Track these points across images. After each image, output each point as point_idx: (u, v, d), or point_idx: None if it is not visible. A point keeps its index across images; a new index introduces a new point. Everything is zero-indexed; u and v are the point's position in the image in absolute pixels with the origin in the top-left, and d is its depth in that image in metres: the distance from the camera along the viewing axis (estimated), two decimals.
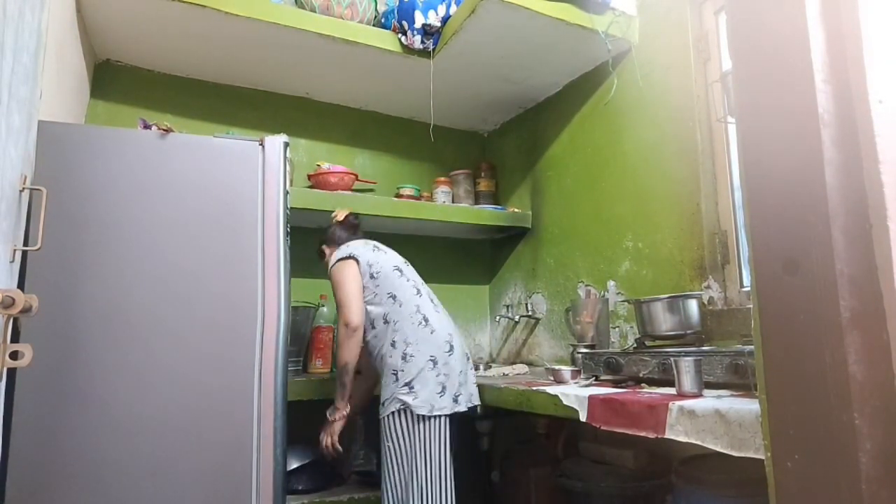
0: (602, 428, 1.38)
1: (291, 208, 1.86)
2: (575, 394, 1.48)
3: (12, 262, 1.16)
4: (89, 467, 1.39)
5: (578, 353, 1.92)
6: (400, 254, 2.12)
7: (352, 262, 1.96)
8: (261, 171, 1.67)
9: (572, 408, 1.46)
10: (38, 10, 1.23)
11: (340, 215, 2.21)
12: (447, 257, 3.08)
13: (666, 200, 2.14)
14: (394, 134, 3.04)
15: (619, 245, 2.33)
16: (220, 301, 1.56)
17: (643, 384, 1.59)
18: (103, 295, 1.46)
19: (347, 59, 2.46)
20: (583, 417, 1.43)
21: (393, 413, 1.81)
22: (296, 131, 2.73)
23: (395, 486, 1.81)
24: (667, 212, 2.13)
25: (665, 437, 1.21)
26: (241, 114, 2.68)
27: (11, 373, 1.31)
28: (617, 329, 2.29)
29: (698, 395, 1.30)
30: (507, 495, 2.33)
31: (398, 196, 2.77)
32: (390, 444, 1.81)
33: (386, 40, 2.39)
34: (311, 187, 2.55)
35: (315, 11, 2.29)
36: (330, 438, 1.99)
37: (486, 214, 2.83)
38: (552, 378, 1.82)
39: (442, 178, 3.00)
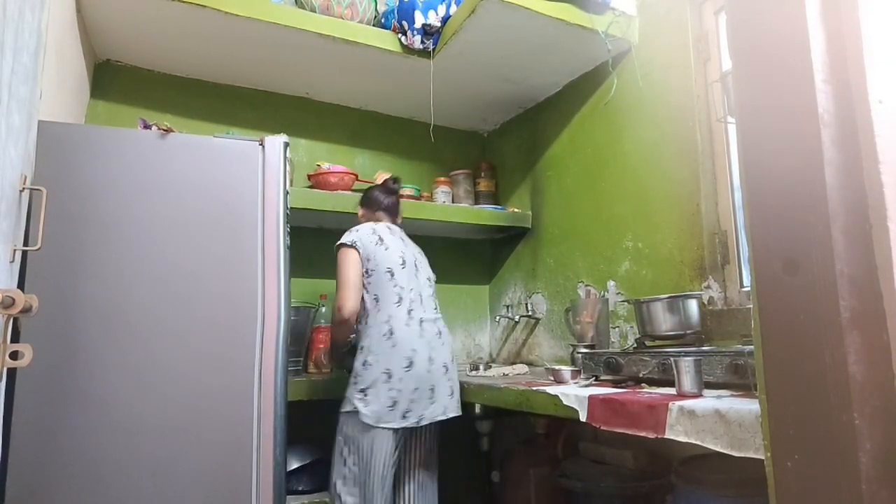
0: (602, 428, 1.37)
1: (291, 208, 1.86)
2: (575, 394, 1.48)
3: (12, 262, 1.16)
4: (89, 467, 1.39)
5: (578, 353, 1.92)
6: None
7: (353, 251, 1.98)
8: (261, 171, 1.67)
9: (572, 408, 1.46)
10: (38, 10, 1.23)
11: (380, 178, 2.22)
12: (447, 257, 3.08)
13: (666, 200, 2.14)
14: (394, 134, 3.04)
15: (619, 245, 2.33)
16: (220, 301, 1.56)
17: (643, 384, 1.59)
18: (103, 295, 1.46)
19: (347, 59, 2.46)
20: (583, 417, 1.43)
21: (347, 412, 1.89)
22: (296, 131, 2.73)
23: (344, 476, 1.89)
24: (667, 212, 2.13)
25: (665, 437, 1.21)
26: (241, 114, 2.68)
27: (11, 373, 1.31)
28: (617, 329, 2.30)
29: (698, 395, 1.30)
30: (507, 495, 2.33)
31: (401, 197, 2.76)
32: (342, 437, 1.91)
33: (386, 40, 2.39)
34: (311, 187, 2.55)
35: (315, 11, 2.29)
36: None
37: (486, 214, 2.83)
38: (552, 378, 1.81)
39: (442, 178, 3.00)
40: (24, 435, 1.33)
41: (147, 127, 1.98)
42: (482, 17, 2.14)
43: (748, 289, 1.81)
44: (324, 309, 2.55)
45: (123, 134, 1.61)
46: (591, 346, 2.15)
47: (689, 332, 1.78)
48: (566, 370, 1.81)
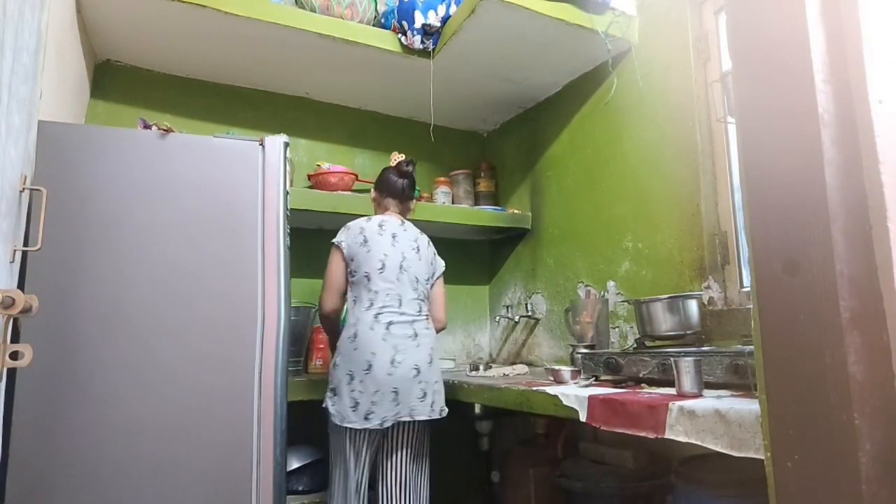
0: (602, 428, 1.37)
1: (291, 208, 1.86)
2: (575, 394, 1.48)
3: (12, 262, 1.16)
4: (89, 467, 1.39)
5: (578, 353, 1.92)
6: None
7: (338, 251, 2.01)
8: (261, 171, 1.67)
9: (572, 408, 1.46)
10: (38, 9, 1.23)
11: (395, 159, 2.20)
12: (447, 258, 3.05)
13: (666, 201, 2.14)
14: (394, 134, 3.04)
15: (619, 245, 2.33)
16: (220, 301, 1.56)
17: (643, 384, 1.59)
18: (103, 295, 1.46)
19: (347, 59, 2.46)
20: (583, 418, 1.43)
21: (325, 407, 1.93)
22: (296, 131, 2.73)
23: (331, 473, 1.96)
24: (667, 212, 2.13)
25: (665, 437, 1.21)
26: (241, 114, 2.68)
27: (11, 373, 1.31)
28: (617, 329, 2.30)
29: (698, 396, 1.30)
30: (507, 495, 2.33)
31: None
32: (328, 427, 1.96)
33: (386, 40, 2.39)
34: (311, 187, 2.55)
35: (315, 11, 2.29)
36: None
37: (486, 216, 2.83)
38: (552, 378, 1.81)
39: (442, 179, 3.00)
40: (24, 435, 1.33)
41: (147, 127, 1.98)
42: (482, 17, 2.14)
43: (748, 289, 1.81)
44: None
45: (123, 134, 1.61)
46: (591, 347, 2.15)
47: (689, 332, 1.78)
48: (566, 370, 1.81)
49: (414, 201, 2.23)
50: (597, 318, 2.23)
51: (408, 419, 1.88)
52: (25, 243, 1.29)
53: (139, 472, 1.42)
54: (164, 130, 1.64)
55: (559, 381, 1.78)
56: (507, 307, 2.97)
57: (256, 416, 1.54)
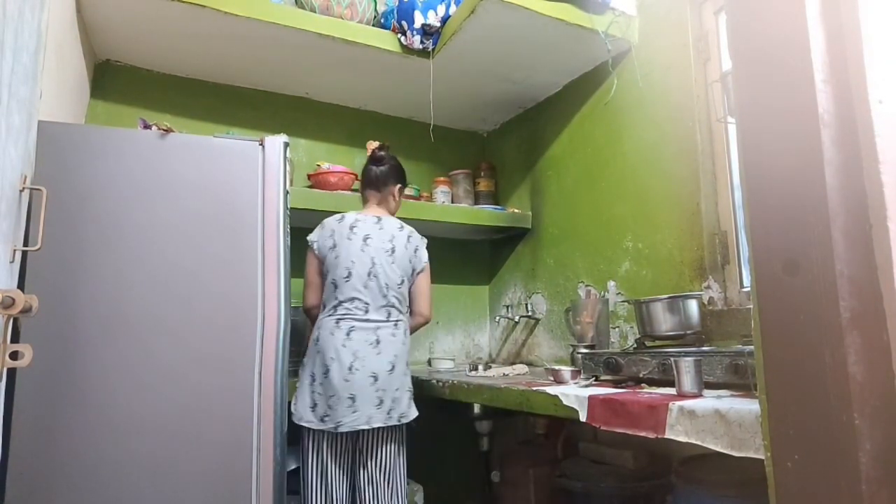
0: (602, 428, 1.37)
1: (291, 208, 1.86)
2: (575, 394, 1.48)
3: (12, 262, 1.16)
4: (89, 467, 1.39)
5: (578, 353, 1.92)
6: None
7: (310, 252, 2.04)
8: (261, 171, 1.67)
9: (572, 408, 1.46)
10: (38, 9, 1.23)
11: (370, 147, 2.18)
12: (447, 258, 3.07)
13: (666, 200, 2.14)
14: (393, 134, 3.03)
15: (619, 245, 2.33)
16: (220, 301, 1.56)
17: (643, 384, 1.59)
18: (103, 295, 1.46)
19: (347, 59, 2.46)
20: (583, 418, 1.43)
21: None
22: (296, 131, 2.73)
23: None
24: (667, 212, 2.13)
25: (665, 437, 1.21)
26: (241, 114, 2.68)
27: (11, 373, 1.31)
28: (617, 329, 2.30)
29: (698, 396, 1.30)
30: (507, 495, 2.33)
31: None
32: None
33: (385, 40, 2.39)
34: (311, 187, 2.55)
35: (315, 11, 2.29)
36: None
37: (486, 215, 2.83)
38: (552, 378, 1.81)
39: (441, 178, 3.00)
40: (24, 435, 1.33)
41: (147, 127, 1.98)
42: (482, 18, 2.14)
43: (748, 289, 1.81)
44: None
45: (123, 134, 1.61)
46: (591, 347, 2.15)
47: (689, 332, 1.78)
48: (566, 370, 1.81)
49: (396, 187, 2.17)
50: (597, 318, 2.23)
51: (365, 427, 1.86)
52: (25, 243, 1.29)
53: (139, 472, 1.42)
54: (164, 130, 1.64)
55: (559, 381, 1.78)
56: (507, 307, 2.97)
57: (256, 416, 1.54)
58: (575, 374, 1.80)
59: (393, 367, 1.92)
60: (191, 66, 2.52)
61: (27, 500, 1.33)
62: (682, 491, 1.52)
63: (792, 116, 0.85)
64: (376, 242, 2.01)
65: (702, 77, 2.07)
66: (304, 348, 2.04)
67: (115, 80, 2.44)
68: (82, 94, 2.25)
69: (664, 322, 1.80)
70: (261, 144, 1.69)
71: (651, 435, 1.24)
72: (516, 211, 2.92)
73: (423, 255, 2.11)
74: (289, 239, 1.70)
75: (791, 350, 0.83)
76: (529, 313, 2.81)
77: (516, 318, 2.89)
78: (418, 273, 2.09)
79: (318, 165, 2.61)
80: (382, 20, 2.47)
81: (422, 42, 2.38)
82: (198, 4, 2.03)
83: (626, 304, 2.24)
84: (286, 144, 1.72)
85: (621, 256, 2.32)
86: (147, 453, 1.44)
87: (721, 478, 1.41)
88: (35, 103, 1.28)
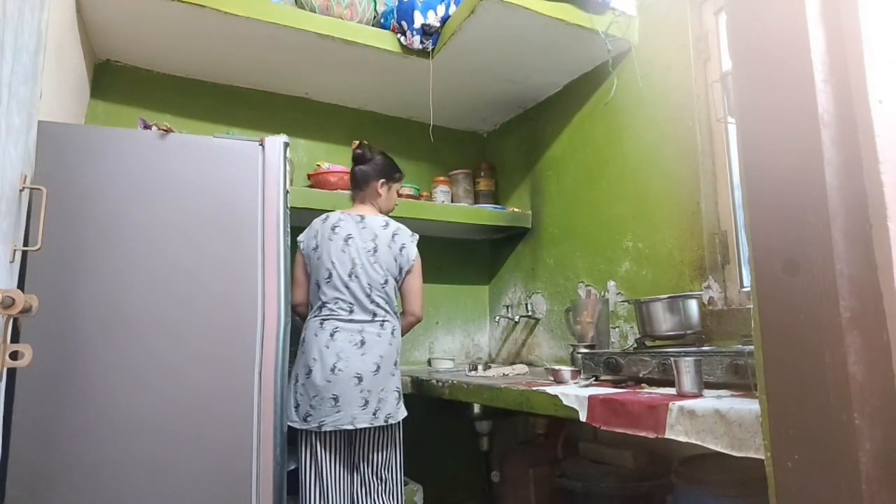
0: (602, 428, 1.37)
1: (291, 208, 1.86)
2: (575, 394, 1.48)
3: (12, 262, 1.16)
4: (89, 467, 1.39)
5: (578, 353, 1.92)
6: None
7: (298, 251, 2.04)
8: (261, 171, 1.67)
9: (572, 408, 1.46)
10: (38, 10, 1.23)
11: (354, 147, 2.18)
12: (446, 257, 3.08)
13: (666, 200, 2.14)
14: (393, 134, 3.04)
15: (619, 245, 2.33)
16: (220, 301, 1.56)
17: (643, 384, 1.59)
18: (103, 295, 1.46)
19: (346, 60, 2.46)
20: (583, 418, 1.43)
21: None
22: (295, 131, 2.73)
23: None
24: (667, 212, 2.13)
25: (665, 437, 1.21)
26: (241, 114, 2.68)
27: (11, 373, 1.31)
28: (617, 329, 2.30)
29: (698, 396, 1.30)
30: (507, 495, 2.34)
31: (399, 195, 2.75)
32: None
33: (385, 40, 2.39)
34: (311, 187, 2.55)
35: (315, 11, 2.29)
36: None
37: (486, 214, 2.83)
38: (552, 378, 1.81)
39: (441, 178, 3.00)
40: (24, 435, 1.33)
41: (147, 127, 1.98)
42: (482, 18, 2.14)
43: (748, 289, 1.81)
44: None
45: (123, 134, 1.61)
46: (591, 347, 2.15)
47: (689, 332, 1.78)
48: (566, 370, 1.81)
49: (379, 182, 2.13)
50: (597, 318, 2.23)
51: (349, 427, 1.85)
52: (25, 243, 1.29)
53: (139, 472, 1.42)
54: (164, 130, 1.64)
55: (559, 381, 1.78)
56: (507, 307, 2.97)
57: (256, 417, 1.54)
58: (575, 374, 1.80)
59: (378, 368, 1.91)
60: (191, 66, 2.52)
61: (27, 500, 1.33)
62: (682, 491, 1.52)
63: (792, 116, 0.85)
64: (358, 242, 2.00)
65: (702, 77, 2.07)
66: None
67: (115, 80, 2.44)
68: (82, 94, 2.25)
69: (664, 322, 1.80)
70: (261, 144, 1.69)
71: (651, 435, 1.24)
72: (516, 210, 2.92)
73: (411, 252, 2.07)
74: (289, 239, 1.70)
75: (791, 350, 0.83)
76: (529, 313, 2.81)
77: (516, 318, 2.89)
78: (406, 272, 2.06)
79: (318, 165, 2.61)
80: (382, 20, 2.47)
81: (421, 42, 2.38)
82: (198, 4, 2.03)
83: (626, 303, 2.24)
84: (286, 144, 1.72)
85: (621, 256, 2.32)
86: (147, 453, 1.44)
87: (721, 478, 1.41)
88: (35, 103, 1.28)
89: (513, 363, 2.67)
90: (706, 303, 1.93)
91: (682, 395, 1.32)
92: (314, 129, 2.85)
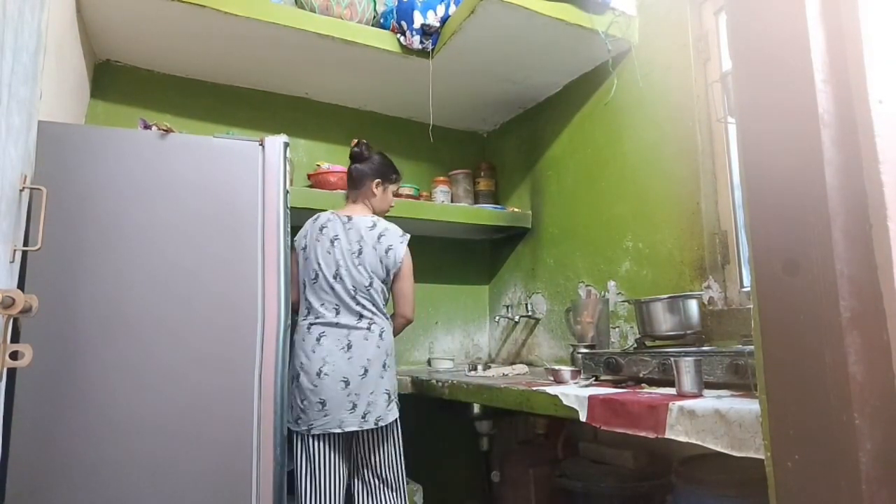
0: (602, 428, 1.37)
1: (291, 208, 1.86)
2: (575, 394, 1.48)
3: (12, 262, 1.16)
4: (89, 467, 1.39)
5: (578, 353, 1.92)
6: None
7: (293, 250, 2.02)
8: (261, 171, 1.67)
9: (572, 408, 1.46)
10: (38, 10, 1.23)
11: (352, 146, 2.17)
12: (446, 257, 3.08)
13: (666, 200, 2.14)
14: (393, 134, 3.04)
15: (619, 245, 2.33)
16: (220, 301, 1.56)
17: (643, 384, 1.59)
18: (103, 295, 1.46)
19: (346, 60, 2.46)
20: (583, 418, 1.43)
21: None
22: (295, 131, 2.73)
23: None
24: (667, 212, 2.13)
25: (665, 437, 1.21)
26: (241, 114, 2.68)
27: (11, 373, 1.31)
28: (617, 329, 2.30)
29: (698, 395, 1.30)
30: (507, 495, 2.34)
31: (397, 195, 2.75)
32: None
33: (385, 40, 2.39)
34: (311, 187, 2.55)
35: (314, 11, 2.29)
36: None
37: (486, 214, 2.83)
38: (552, 378, 1.81)
39: (440, 178, 2.99)
40: (24, 435, 1.33)
41: (147, 127, 1.98)
42: (481, 18, 2.14)
43: (748, 289, 1.81)
44: None
45: (123, 134, 1.61)
46: (592, 347, 2.15)
47: (689, 332, 1.78)
48: (566, 370, 1.81)
49: (374, 182, 2.11)
50: (597, 318, 2.23)
51: (337, 430, 1.85)
52: (25, 243, 1.29)
53: (139, 472, 1.42)
54: (164, 130, 1.64)
55: (559, 381, 1.78)
56: (507, 307, 2.97)
57: (256, 417, 1.54)
58: (575, 374, 1.80)
59: (366, 371, 1.89)
60: (191, 66, 2.52)
61: (27, 500, 1.33)
62: (682, 491, 1.52)
63: (792, 116, 0.85)
64: (343, 244, 1.99)
65: (702, 77, 2.07)
66: None
67: (115, 81, 2.44)
68: (82, 94, 2.25)
69: (664, 322, 1.80)
70: (261, 144, 1.69)
71: (651, 435, 1.24)
72: (516, 210, 2.92)
73: (399, 253, 2.02)
74: (289, 239, 1.70)
75: (791, 350, 0.83)
76: (529, 313, 2.81)
77: (516, 318, 2.89)
78: (395, 273, 2.03)
79: (318, 165, 2.61)
80: (382, 20, 2.47)
81: (421, 42, 2.38)
82: (198, 4, 2.03)
83: (626, 303, 2.24)
84: (286, 144, 1.72)
85: (621, 256, 2.32)
86: (147, 453, 1.43)
87: (721, 478, 1.41)
88: (35, 103, 1.28)
89: (513, 363, 2.67)
90: (706, 303, 1.93)
91: (682, 395, 1.32)
92: (314, 129, 2.85)
